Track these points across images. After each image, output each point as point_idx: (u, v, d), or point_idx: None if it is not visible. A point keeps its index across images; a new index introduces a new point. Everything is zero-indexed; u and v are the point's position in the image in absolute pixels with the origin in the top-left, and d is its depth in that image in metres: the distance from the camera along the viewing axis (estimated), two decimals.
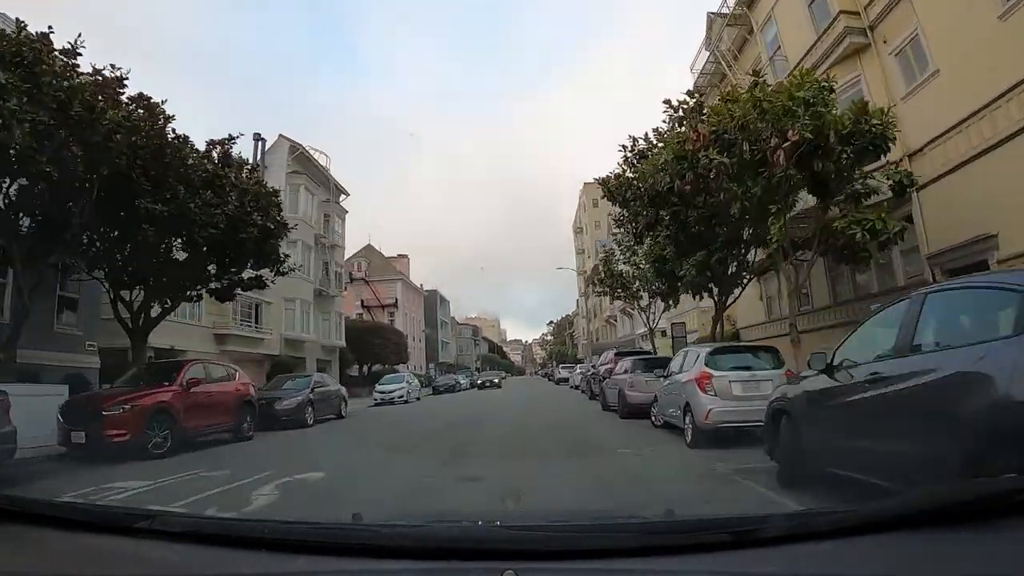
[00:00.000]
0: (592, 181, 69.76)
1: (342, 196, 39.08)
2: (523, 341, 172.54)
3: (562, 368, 46.28)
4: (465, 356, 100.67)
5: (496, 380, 46.49)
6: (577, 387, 29.83)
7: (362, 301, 56.21)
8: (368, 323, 42.89)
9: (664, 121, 15.07)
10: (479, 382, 45.58)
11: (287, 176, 31.78)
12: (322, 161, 35.44)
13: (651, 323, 25.01)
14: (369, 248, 60.71)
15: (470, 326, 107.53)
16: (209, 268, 14.81)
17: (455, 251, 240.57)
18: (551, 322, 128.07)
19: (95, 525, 1.45)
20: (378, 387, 27.33)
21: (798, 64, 13.99)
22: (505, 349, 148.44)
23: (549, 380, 58.56)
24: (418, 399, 28.99)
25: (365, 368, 40.93)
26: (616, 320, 55.29)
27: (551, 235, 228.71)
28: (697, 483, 6.19)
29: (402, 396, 26.39)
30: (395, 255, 62.65)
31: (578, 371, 32.21)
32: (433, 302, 68.00)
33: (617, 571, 1.19)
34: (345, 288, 40.81)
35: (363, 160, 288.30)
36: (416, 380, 30.58)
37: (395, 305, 56.18)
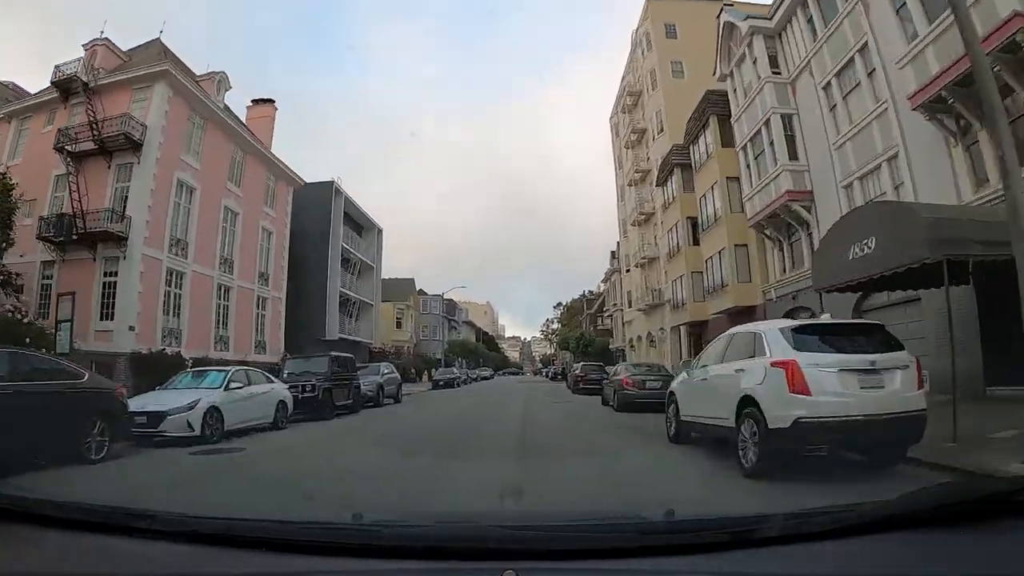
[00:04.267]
0: None
1: None
2: (521, 338, 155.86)
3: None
4: (429, 343, 64.43)
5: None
6: None
7: (63, 135, 19.43)
8: None
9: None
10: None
11: None
12: None
13: None
14: (159, 45, 23.68)
15: (443, 300, 69.86)
16: None
17: (455, 252, 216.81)
18: (559, 304, 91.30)
19: (95, 525, 1.39)
20: None
21: None
22: (502, 345, 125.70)
23: (580, 389, 22.87)
24: None
25: None
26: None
27: (551, 240, 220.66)
28: None
29: None
30: (212, 74, 25.22)
31: None
32: (323, 207, 31.00)
33: (617, 571, 1.18)
34: None
35: (360, 157, 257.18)
36: None
37: (132, 146, 19.08)
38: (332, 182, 31.68)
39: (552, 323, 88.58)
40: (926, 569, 1.16)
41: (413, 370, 50.17)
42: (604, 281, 53.85)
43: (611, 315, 50.24)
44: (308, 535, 1.34)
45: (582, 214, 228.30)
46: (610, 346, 49.39)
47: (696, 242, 26.35)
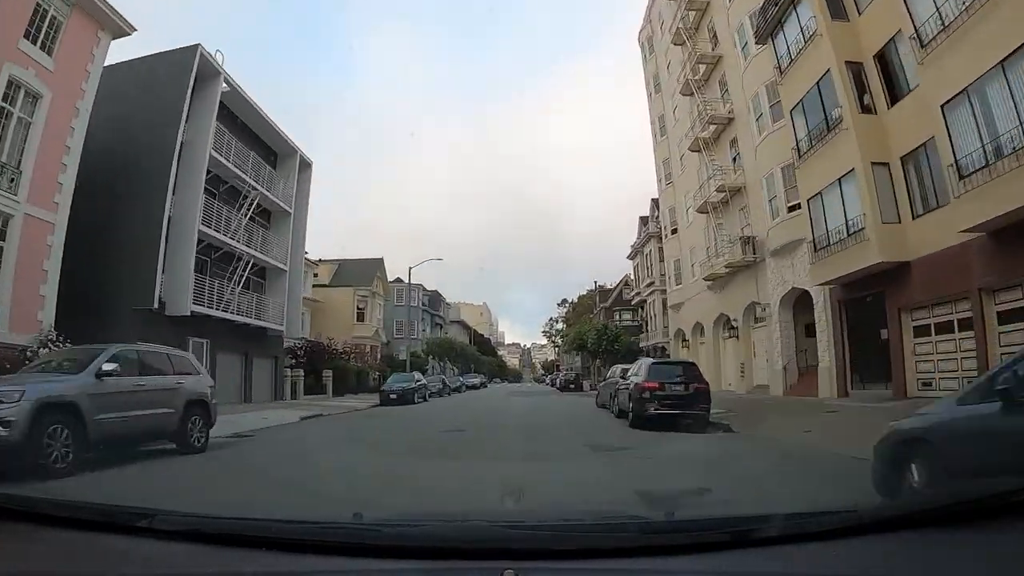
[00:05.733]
0: None
1: None
2: (522, 345, 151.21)
3: None
4: (406, 343, 50.93)
5: None
6: None
7: None
8: None
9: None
10: None
11: None
12: None
13: None
14: None
15: (415, 288, 55.78)
16: None
17: (454, 255, 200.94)
18: (564, 301, 77.52)
19: (95, 524, 1.38)
20: None
21: None
22: (501, 352, 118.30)
23: (650, 419, 8.87)
24: None
25: None
26: None
27: (554, 249, 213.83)
28: None
29: None
30: None
31: None
32: (182, 91, 17.88)
33: (617, 571, 1.17)
34: None
35: (361, 158, 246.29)
36: None
37: None
38: (197, 46, 18.42)
39: (556, 322, 74.82)
40: (926, 569, 1.13)
41: (376, 376, 36.48)
42: (632, 257, 40.41)
43: (643, 300, 36.77)
44: (308, 534, 1.32)
45: (588, 221, 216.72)
46: (640, 344, 35.94)
47: (867, 109, 13.07)
